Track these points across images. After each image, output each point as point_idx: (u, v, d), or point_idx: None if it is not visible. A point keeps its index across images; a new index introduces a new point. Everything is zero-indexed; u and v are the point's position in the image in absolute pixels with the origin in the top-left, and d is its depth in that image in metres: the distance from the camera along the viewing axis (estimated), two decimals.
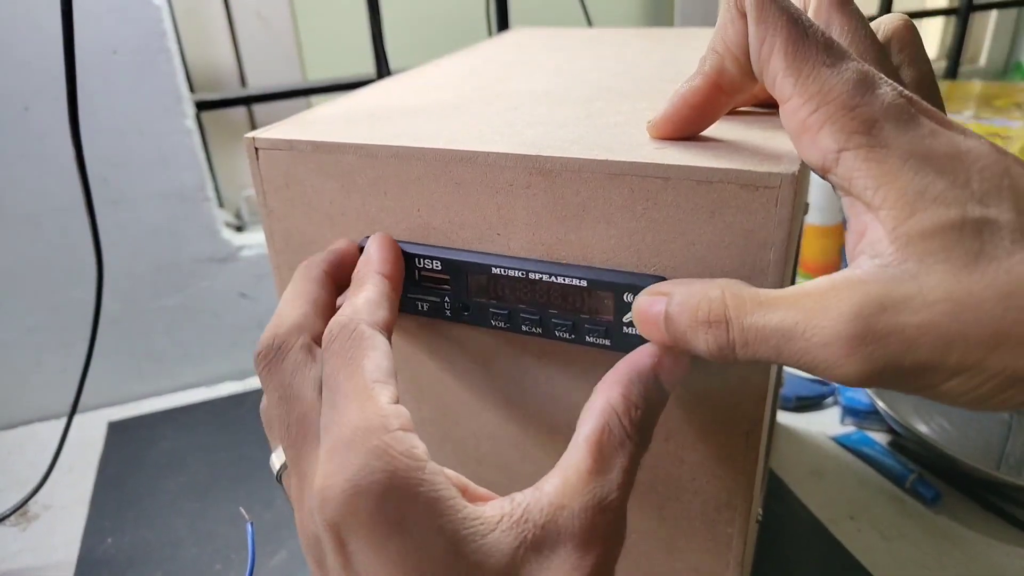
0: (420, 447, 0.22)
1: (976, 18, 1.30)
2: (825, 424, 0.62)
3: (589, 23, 0.86)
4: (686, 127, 0.26)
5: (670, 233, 0.25)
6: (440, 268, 0.29)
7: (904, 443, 0.58)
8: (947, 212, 0.19)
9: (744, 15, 0.23)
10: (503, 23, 0.77)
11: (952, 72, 1.09)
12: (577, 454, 0.23)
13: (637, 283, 0.26)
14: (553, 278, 0.27)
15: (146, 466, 0.62)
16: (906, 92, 0.21)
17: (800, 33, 0.22)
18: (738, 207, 0.24)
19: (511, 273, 0.28)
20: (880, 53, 0.24)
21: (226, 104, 0.73)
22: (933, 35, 1.30)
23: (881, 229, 0.20)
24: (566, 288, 0.27)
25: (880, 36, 0.26)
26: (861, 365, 0.19)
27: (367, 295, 0.26)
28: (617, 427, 0.23)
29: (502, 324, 0.29)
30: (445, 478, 0.22)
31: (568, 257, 0.27)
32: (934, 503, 0.52)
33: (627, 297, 0.26)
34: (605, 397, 0.24)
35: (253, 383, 0.74)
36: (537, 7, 0.92)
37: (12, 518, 0.56)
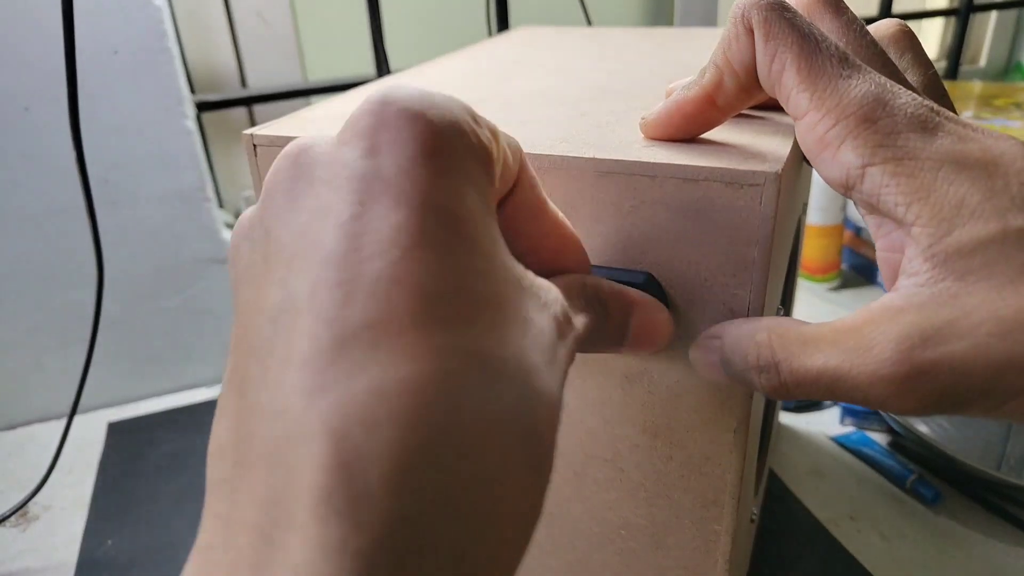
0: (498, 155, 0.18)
1: (976, 19, 1.29)
2: (825, 424, 0.62)
3: (589, 23, 0.86)
4: (676, 133, 0.26)
5: (657, 230, 0.25)
6: None
7: (904, 443, 0.58)
8: (986, 226, 0.18)
9: (751, 32, 0.22)
10: (503, 23, 0.78)
11: (952, 72, 1.09)
12: None
13: (624, 280, 0.26)
14: None
15: (146, 467, 0.62)
16: (926, 100, 0.20)
17: (813, 47, 0.21)
18: (723, 205, 0.24)
19: None
20: (885, 61, 0.23)
21: (226, 105, 0.73)
22: (933, 35, 1.30)
23: (915, 247, 0.19)
24: None
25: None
26: (915, 401, 0.18)
27: None
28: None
29: None
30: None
31: None
32: (934, 503, 0.52)
33: None
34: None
35: None
36: (537, 7, 0.92)
37: (12, 519, 0.56)
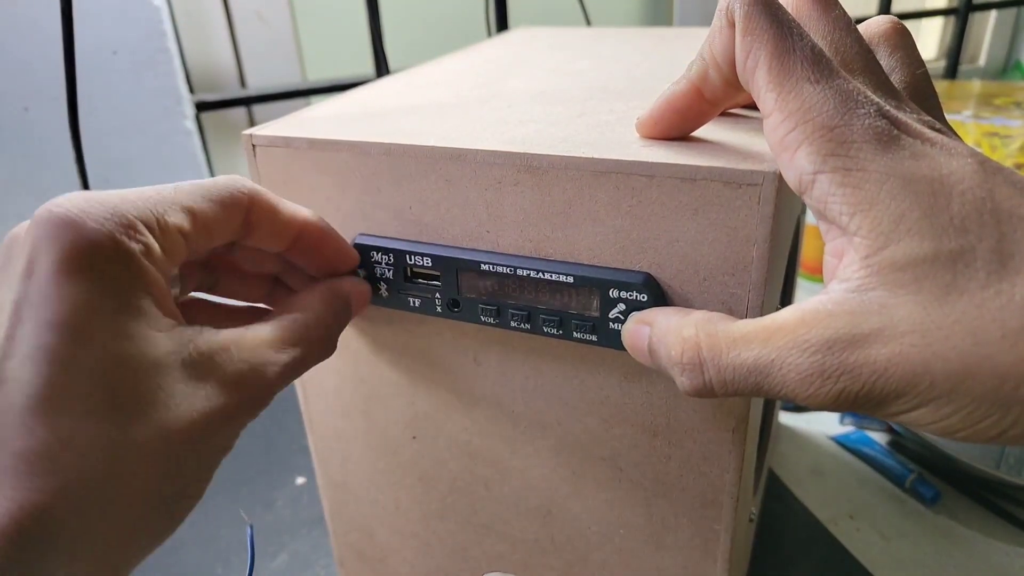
0: (153, 244, 0.22)
1: (975, 18, 1.29)
2: (825, 424, 0.62)
3: (588, 23, 0.86)
4: (669, 129, 0.26)
5: (655, 230, 0.25)
6: (431, 264, 0.29)
7: (904, 443, 0.58)
8: (920, 245, 0.19)
9: (733, 25, 0.22)
10: (502, 23, 0.78)
11: (952, 72, 1.09)
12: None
13: (622, 280, 0.26)
14: (541, 275, 0.27)
15: None
16: (890, 110, 0.21)
17: (787, 47, 0.21)
18: (721, 204, 0.24)
19: (500, 270, 0.28)
20: (868, 61, 0.23)
21: (226, 105, 0.73)
22: (932, 35, 1.30)
23: (854, 255, 0.20)
24: (553, 284, 0.27)
25: (868, 40, 0.25)
26: (835, 396, 0.20)
27: None
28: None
29: (491, 320, 0.29)
30: (164, 287, 0.23)
31: (555, 254, 0.27)
32: (934, 503, 0.52)
33: (612, 293, 0.26)
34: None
35: None
36: (537, 7, 0.92)
37: None
